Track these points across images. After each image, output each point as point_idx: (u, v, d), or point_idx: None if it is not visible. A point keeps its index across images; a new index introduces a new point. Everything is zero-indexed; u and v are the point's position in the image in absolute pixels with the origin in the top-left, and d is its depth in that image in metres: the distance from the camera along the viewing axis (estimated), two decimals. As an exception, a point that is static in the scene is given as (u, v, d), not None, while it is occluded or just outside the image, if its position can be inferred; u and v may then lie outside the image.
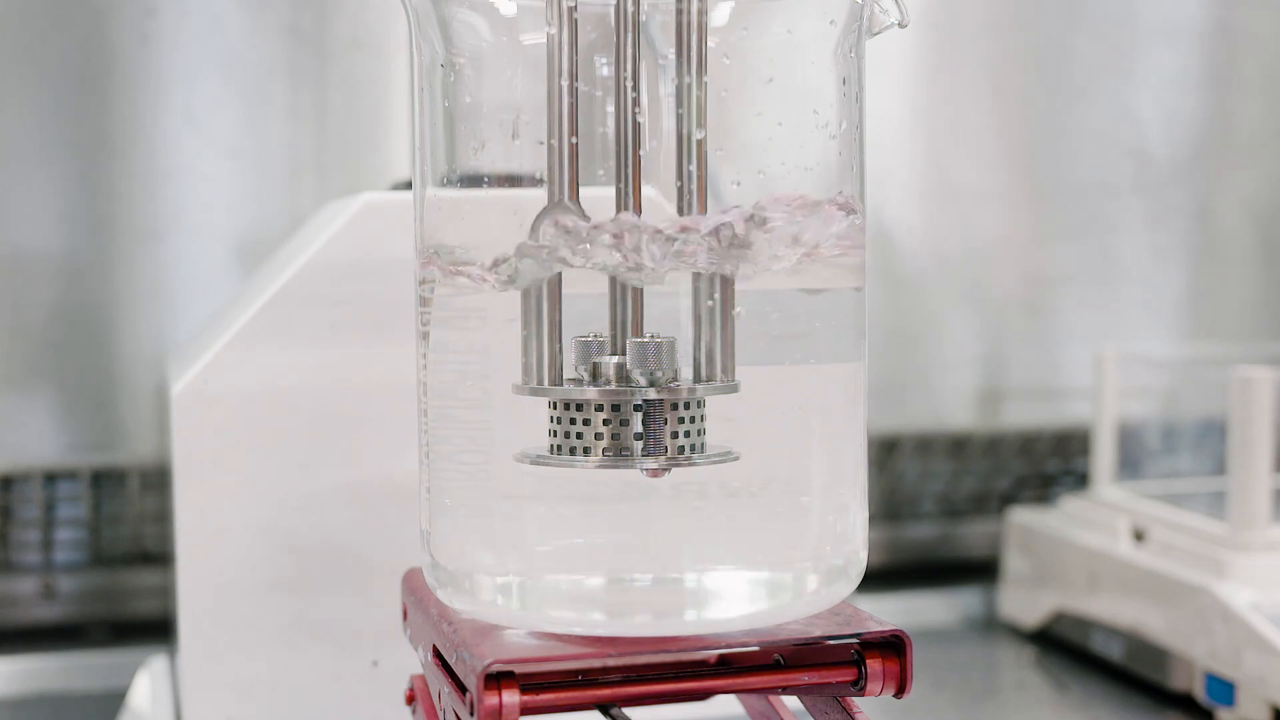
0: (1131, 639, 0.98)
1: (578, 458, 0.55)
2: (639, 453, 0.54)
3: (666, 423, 0.54)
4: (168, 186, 1.07)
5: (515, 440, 0.57)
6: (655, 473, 0.55)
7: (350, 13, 1.10)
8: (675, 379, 0.55)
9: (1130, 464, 1.14)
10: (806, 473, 0.59)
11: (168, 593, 0.95)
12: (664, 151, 0.56)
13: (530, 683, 0.53)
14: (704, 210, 0.55)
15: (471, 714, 0.52)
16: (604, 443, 0.54)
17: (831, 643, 0.56)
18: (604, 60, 0.57)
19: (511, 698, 0.52)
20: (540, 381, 0.55)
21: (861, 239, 0.59)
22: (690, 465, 0.55)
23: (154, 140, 1.07)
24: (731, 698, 0.67)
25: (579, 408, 0.54)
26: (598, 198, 0.56)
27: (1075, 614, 1.05)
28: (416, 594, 0.63)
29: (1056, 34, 1.25)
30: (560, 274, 0.55)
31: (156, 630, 1.03)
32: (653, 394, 0.54)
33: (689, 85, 0.55)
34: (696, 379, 0.56)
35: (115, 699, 0.93)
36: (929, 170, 1.23)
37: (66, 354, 1.06)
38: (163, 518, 1.04)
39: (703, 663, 0.61)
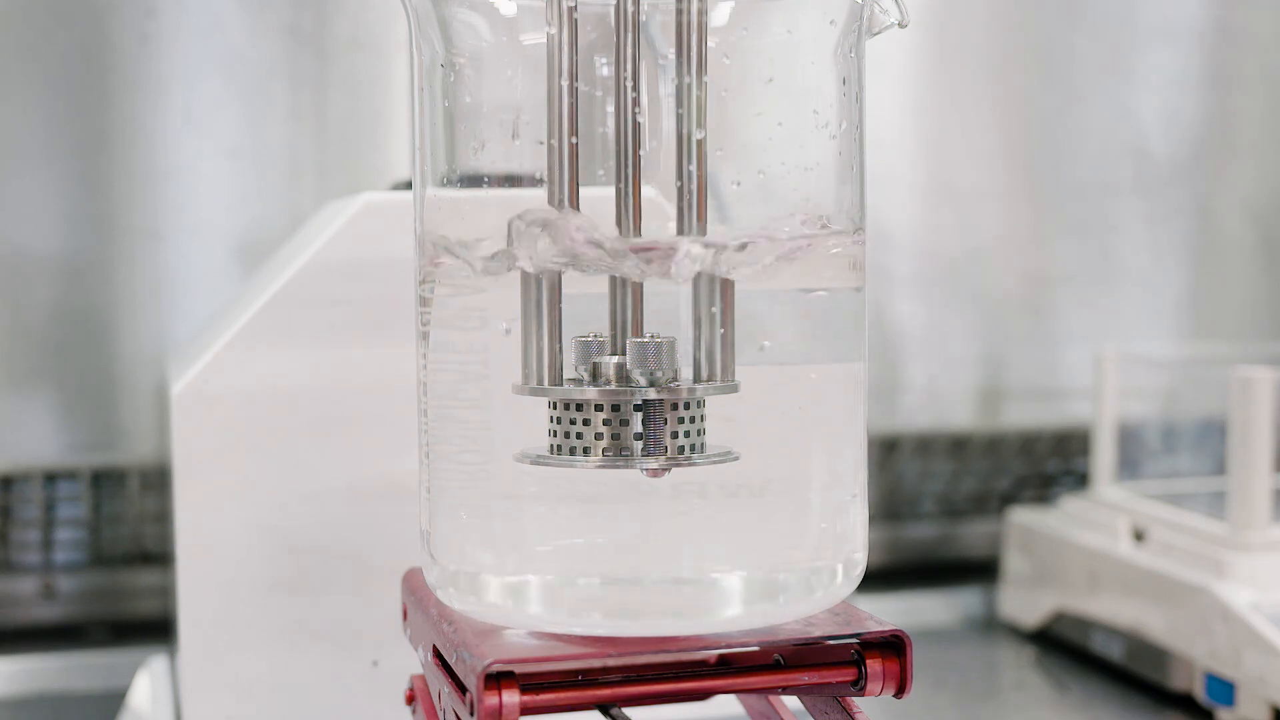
0: (1131, 639, 0.98)
1: (578, 458, 0.55)
2: (639, 453, 0.54)
3: (666, 423, 0.54)
4: (168, 186, 1.07)
5: (515, 440, 0.57)
6: (655, 473, 0.55)
7: (350, 13, 1.10)
8: (675, 379, 0.55)
9: (1130, 464, 1.14)
10: (806, 473, 0.59)
11: (168, 593, 0.95)
12: (664, 151, 0.56)
13: (530, 683, 0.53)
14: (704, 211, 0.55)
15: (471, 714, 0.52)
16: (604, 443, 0.54)
17: (831, 643, 0.56)
18: (604, 60, 0.57)
19: (511, 698, 0.52)
20: (540, 381, 0.55)
21: (862, 240, 0.59)
22: (690, 465, 0.55)
23: (154, 140, 1.07)
24: (731, 698, 0.67)
25: (579, 408, 0.54)
26: (598, 198, 0.56)
27: (1075, 614, 1.05)
28: (416, 594, 0.63)
29: (1056, 34, 1.26)
30: (560, 274, 0.55)
31: (156, 630, 1.03)
32: (653, 394, 0.54)
33: (689, 85, 0.55)
34: (696, 379, 0.56)
35: (115, 699, 0.93)
36: (929, 170, 1.23)
37: (66, 354, 1.06)
38: (163, 518, 1.04)
39: (703, 663, 0.61)
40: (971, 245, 1.25)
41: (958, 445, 1.24)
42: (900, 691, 0.56)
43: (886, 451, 1.22)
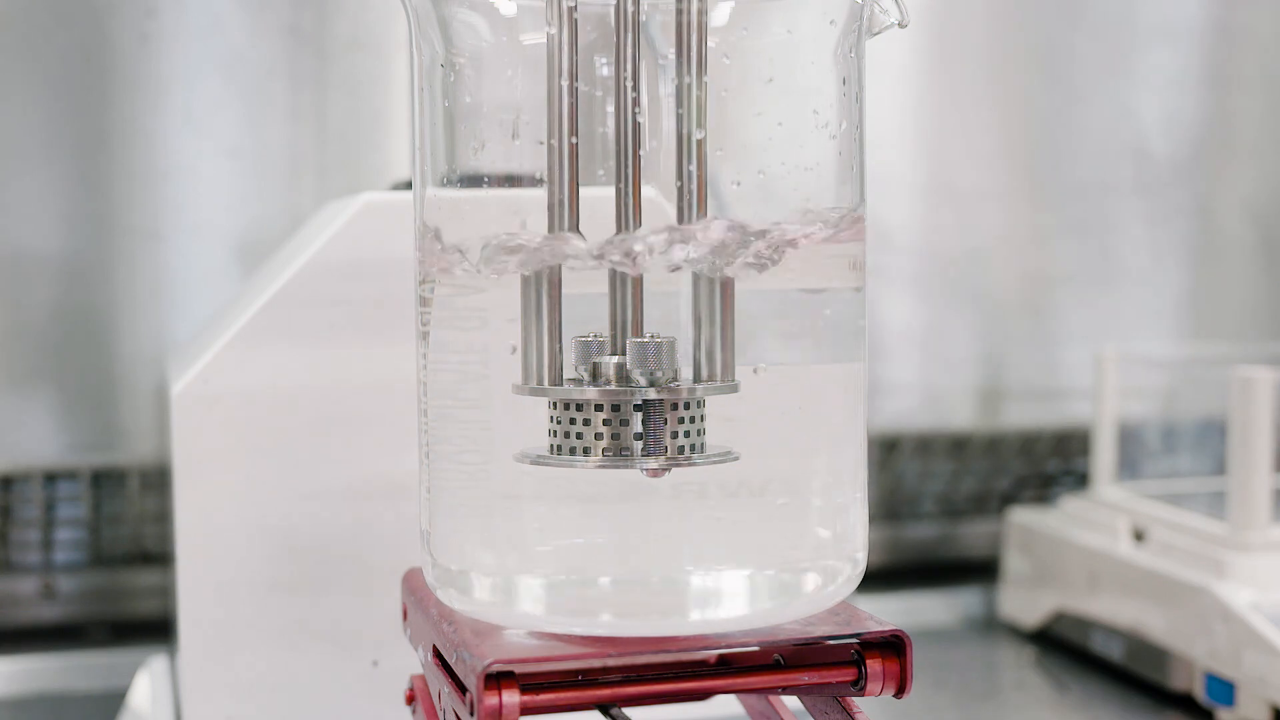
0: (1131, 639, 0.98)
1: (578, 458, 0.55)
2: (639, 453, 0.54)
3: (666, 423, 0.54)
4: (168, 186, 1.07)
5: (515, 440, 0.57)
6: (655, 473, 0.55)
7: (350, 13, 1.10)
8: (675, 379, 0.55)
9: (1130, 464, 1.14)
10: (806, 473, 0.59)
11: (168, 593, 0.95)
12: (664, 151, 0.56)
13: (530, 683, 0.53)
14: (704, 211, 0.55)
15: (471, 714, 0.52)
16: (604, 443, 0.54)
17: (831, 643, 0.56)
18: (604, 60, 0.57)
19: (511, 698, 0.52)
20: (540, 381, 0.55)
21: (861, 240, 0.59)
22: (690, 465, 0.55)
23: (154, 140, 1.07)
24: (731, 698, 0.67)
25: (579, 408, 0.54)
26: (598, 198, 0.56)
27: (1075, 614, 1.05)
28: (416, 594, 0.63)
29: (1056, 34, 1.25)
30: (560, 273, 0.55)
31: (156, 630, 1.03)
32: (653, 394, 0.54)
33: (689, 85, 0.55)
34: (696, 379, 0.56)
35: (115, 699, 0.93)
36: (929, 170, 1.23)
37: (66, 354, 1.06)
38: (163, 518, 1.04)
39: (703, 663, 0.61)
40: (971, 245, 1.25)
41: (958, 445, 1.24)
42: (900, 691, 0.56)
43: (886, 451, 1.22)
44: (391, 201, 0.78)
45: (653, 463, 0.54)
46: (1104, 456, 1.09)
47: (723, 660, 0.61)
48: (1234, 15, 1.30)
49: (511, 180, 0.58)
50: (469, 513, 0.59)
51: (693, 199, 0.55)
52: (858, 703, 0.58)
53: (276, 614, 0.76)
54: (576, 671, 0.56)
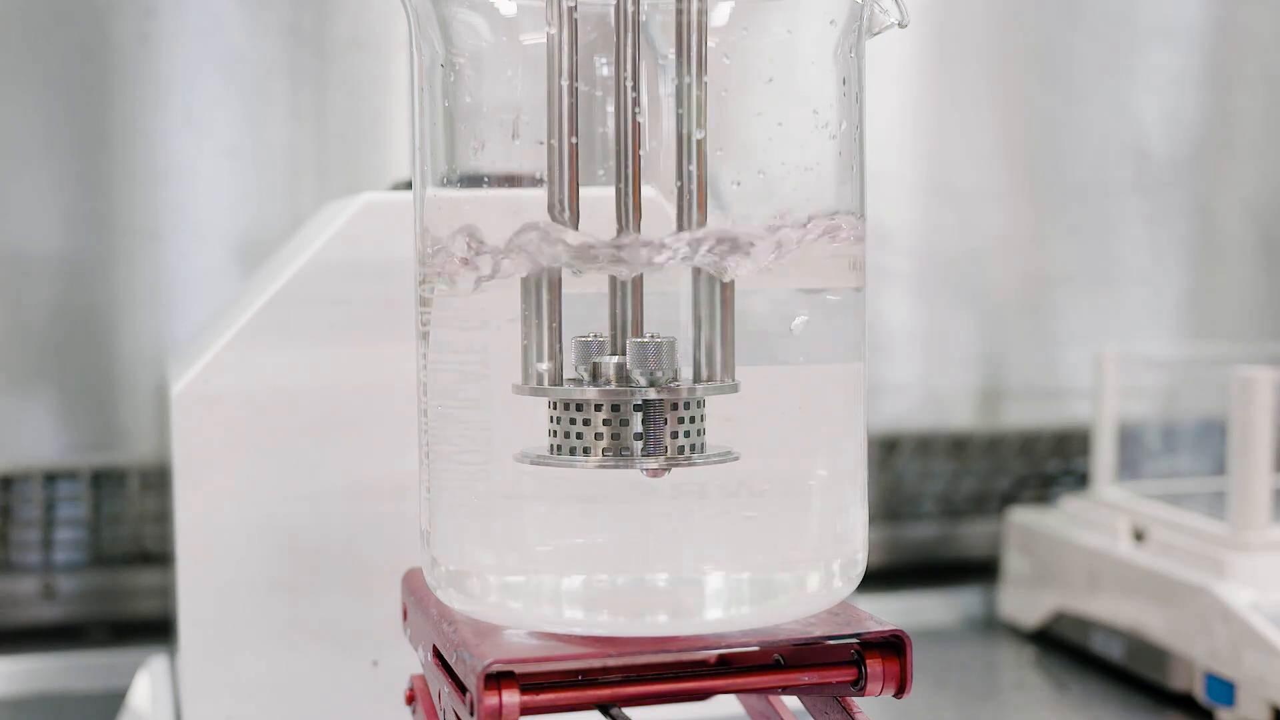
0: (1131, 639, 0.98)
1: (578, 458, 0.55)
2: (639, 453, 0.54)
3: (666, 423, 0.54)
4: (168, 186, 1.07)
5: (515, 440, 0.57)
6: (655, 473, 0.55)
7: (350, 13, 1.10)
8: (675, 379, 0.55)
9: (1130, 464, 1.14)
10: (806, 473, 0.59)
11: (168, 593, 0.95)
12: (664, 151, 0.56)
13: (530, 683, 0.53)
14: (704, 211, 0.55)
15: (471, 714, 0.52)
16: (604, 443, 0.54)
17: (831, 643, 0.56)
18: (604, 60, 0.57)
19: (511, 698, 0.52)
20: (540, 381, 0.55)
21: (861, 240, 0.59)
22: (690, 465, 0.55)
23: (154, 140, 1.07)
24: (731, 698, 0.67)
25: (579, 408, 0.54)
26: (598, 198, 0.56)
27: (1075, 614, 1.05)
28: (416, 594, 0.63)
29: (1056, 34, 1.25)
30: (560, 273, 0.55)
31: (156, 630, 1.03)
32: (653, 394, 0.54)
33: (689, 85, 0.55)
34: (696, 379, 0.56)
35: (115, 699, 0.93)
36: (929, 170, 1.23)
37: (66, 354, 1.06)
38: (163, 518, 1.04)
39: (703, 663, 0.61)
40: (971, 245, 1.25)
41: (958, 445, 1.24)
42: (900, 691, 0.56)
43: (886, 451, 1.22)
44: (391, 201, 0.78)
45: (653, 463, 0.54)
46: (1104, 456, 1.09)
47: (723, 660, 0.61)
48: (1234, 15, 1.30)
49: (511, 180, 0.58)
50: (469, 513, 0.59)
51: (693, 199, 0.55)
52: (858, 703, 0.58)
53: (276, 614, 0.76)
54: (576, 671, 0.56)
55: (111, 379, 1.07)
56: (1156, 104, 1.28)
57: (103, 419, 1.07)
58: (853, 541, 0.59)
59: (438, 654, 0.58)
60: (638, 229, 0.55)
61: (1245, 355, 1.12)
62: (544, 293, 0.55)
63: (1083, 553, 1.05)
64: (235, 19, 1.07)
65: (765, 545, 0.57)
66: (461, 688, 0.54)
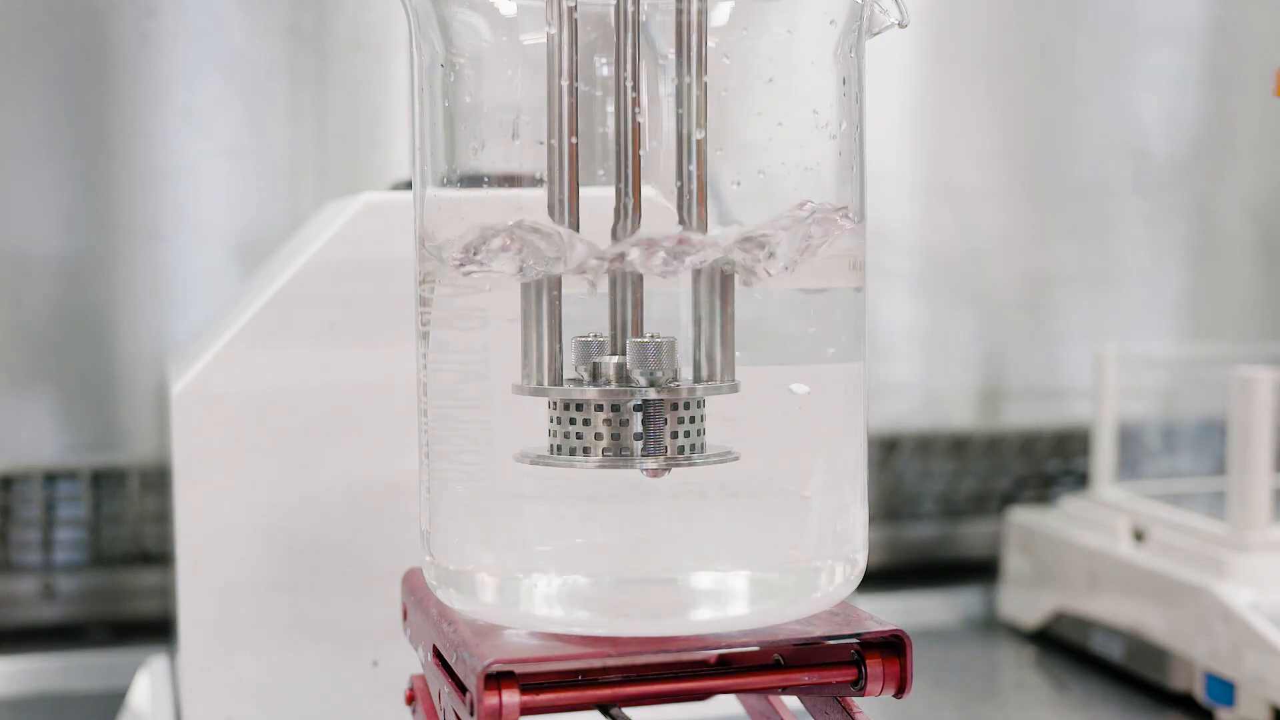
0: (1131, 639, 0.98)
1: (578, 458, 0.55)
2: (639, 453, 0.54)
3: (666, 423, 0.54)
4: (168, 186, 1.07)
5: (515, 440, 0.57)
6: (655, 473, 0.55)
7: (350, 13, 1.10)
8: (675, 379, 0.55)
9: (1130, 464, 1.14)
10: (806, 473, 0.59)
11: (168, 593, 0.95)
12: (664, 151, 0.56)
13: (530, 683, 0.53)
14: (704, 211, 0.55)
15: (471, 714, 0.52)
16: (604, 443, 0.54)
17: (831, 643, 0.56)
18: (604, 60, 0.57)
19: (511, 698, 0.52)
20: (540, 381, 0.55)
21: (861, 240, 0.59)
22: (690, 465, 0.55)
23: (154, 140, 1.07)
24: (731, 698, 0.67)
25: (579, 408, 0.54)
26: (598, 198, 0.56)
27: (1075, 614, 1.05)
28: (416, 594, 0.63)
29: (1056, 34, 1.25)
30: (559, 275, 0.55)
31: (156, 630, 1.03)
32: (653, 394, 0.54)
33: (689, 85, 0.55)
34: (696, 379, 0.56)
35: (115, 699, 0.93)
36: (929, 170, 1.23)
37: (66, 354, 1.06)
38: (163, 518, 1.04)
39: (703, 663, 0.61)
40: (971, 245, 1.25)
41: (958, 445, 1.24)
42: (900, 691, 0.56)
43: (886, 451, 1.22)
44: (391, 201, 0.78)
45: (653, 463, 0.54)
46: (1104, 456, 1.09)
47: (723, 660, 0.61)
48: (1234, 15, 1.30)
49: (511, 180, 0.58)
50: (469, 513, 0.59)
51: (693, 199, 0.55)
52: (858, 703, 0.58)
53: (276, 614, 0.76)
54: (576, 671, 0.56)
55: (111, 379, 1.07)
56: (1156, 104, 1.28)
57: (103, 419, 1.07)
58: (853, 541, 0.59)
59: (438, 654, 0.58)
60: (638, 229, 0.55)
61: (1245, 355, 1.12)
62: (544, 292, 0.55)
63: (1083, 553, 1.05)
64: (235, 19, 1.07)
65: (765, 545, 0.57)
66: (461, 688, 0.54)
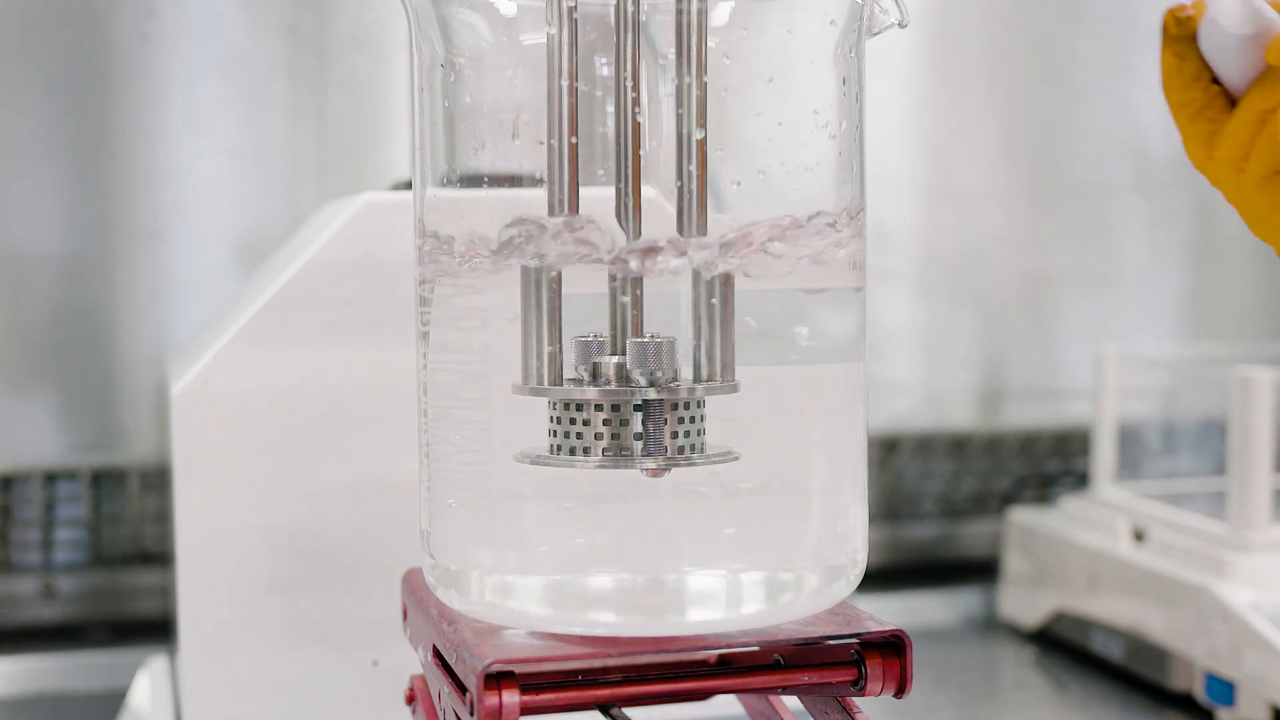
0: (1131, 639, 0.98)
1: (578, 458, 0.55)
2: (639, 453, 0.54)
3: (666, 423, 0.54)
4: (168, 186, 1.07)
5: (515, 440, 0.57)
6: (655, 473, 0.55)
7: (350, 13, 1.10)
8: (675, 379, 0.55)
9: (1130, 464, 1.14)
10: (806, 473, 0.59)
11: (168, 593, 0.95)
12: (664, 151, 0.56)
13: (530, 683, 0.53)
14: (704, 211, 0.55)
15: (471, 714, 0.52)
16: (604, 443, 0.54)
17: (831, 643, 0.56)
18: (604, 60, 0.57)
19: (511, 698, 0.52)
20: (540, 381, 0.55)
21: (861, 240, 0.59)
22: (690, 465, 0.55)
23: (154, 140, 1.07)
24: (731, 698, 0.67)
25: (579, 408, 0.54)
26: (598, 198, 0.56)
27: (1075, 614, 1.05)
28: (416, 594, 0.63)
29: (1056, 34, 1.25)
30: (560, 273, 0.55)
31: (156, 630, 1.03)
32: (653, 394, 0.54)
33: (689, 85, 0.55)
34: (696, 379, 0.56)
35: (115, 699, 0.93)
36: (929, 170, 1.23)
37: (66, 354, 1.06)
38: (163, 518, 1.04)
39: (703, 663, 0.61)
40: (971, 245, 1.25)
41: (958, 445, 1.24)
42: (900, 691, 0.56)
43: (886, 451, 1.22)
44: (391, 201, 0.78)
45: (652, 463, 0.54)
46: (1104, 456, 1.09)
47: (723, 660, 0.61)
48: (1234, 15, 1.29)
49: (511, 180, 0.58)
50: (469, 513, 0.59)
51: (693, 199, 0.55)
52: (858, 703, 0.58)
53: (276, 614, 0.76)
54: (576, 671, 0.56)
55: (111, 379, 1.07)
56: (1156, 104, 1.28)
57: (103, 419, 1.07)
58: (853, 541, 0.59)
59: (438, 654, 0.58)
60: (638, 229, 0.55)
61: (1245, 355, 1.12)
62: (544, 293, 0.55)
63: (1083, 553, 1.04)
64: (235, 19, 1.07)
65: (765, 545, 0.57)
66: (461, 688, 0.54)
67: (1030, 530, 1.11)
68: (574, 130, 0.54)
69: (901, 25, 0.59)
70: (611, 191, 0.55)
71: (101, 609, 1.08)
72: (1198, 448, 1.20)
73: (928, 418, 1.23)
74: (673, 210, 0.55)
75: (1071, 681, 1.01)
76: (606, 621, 0.55)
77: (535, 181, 0.56)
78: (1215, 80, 0.55)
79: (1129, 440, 1.13)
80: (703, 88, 0.55)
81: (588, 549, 0.57)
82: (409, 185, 0.67)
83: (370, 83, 1.11)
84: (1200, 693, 0.92)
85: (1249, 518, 0.93)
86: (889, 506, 1.23)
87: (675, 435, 0.54)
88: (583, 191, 0.55)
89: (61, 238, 1.06)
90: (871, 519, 0.61)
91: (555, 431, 0.55)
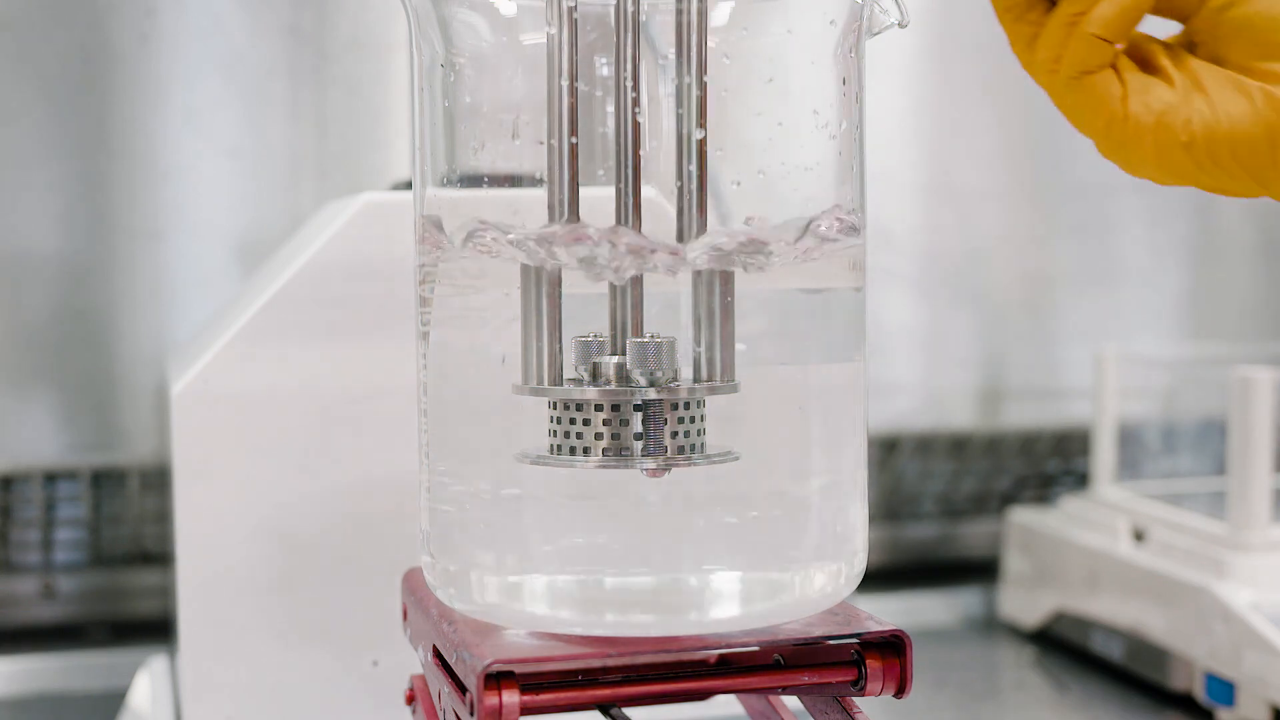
0: (1131, 639, 0.98)
1: (578, 458, 0.55)
2: (639, 453, 0.54)
3: (666, 423, 0.54)
4: (168, 186, 1.07)
5: (515, 440, 0.57)
6: (655, 472, 0.55)
7: (350, 13, 1.10)
8: (675, 379, 0.55)
9: (1130, 464, 1.14)
10: (806, 473, 0.59)
11: (168, 593, 0.95)
12: (664, 151, 0.56)
13: (530, 683, 0.53)
14: (704, 211, 0.55)
15: (471, 714, 0.52)
16: (604, 443, 0.54)
17: (831, 643, 0.56)
18: (604, 60, 0.57)
19: (511, 698, 0.52)
20: (540, 381, 0.55)
21: (862, 240, 0.59)
22: (690, 465, 0.55)
23: (154, 140, 1.07)
24: (731, 698, 0.67)
25: (579, 408, 0.54)
26: (598, 198, 0.56)
27: (1075, 614, 1.05)
28: (416, 594, 0.63)
29: (1056, 34, 1.25)
30: (560, 273, 0.55)
31: (156, 630, 1.03)
32: (653, 394, 0.54)
33: (689, 85, 0.55)
34: (696, 379, 0.56)
35: (115, 699, 0.93)
36: (929, 170, 1.23)
37: (66, 354, 1.06)
38: (163, 518, 1.04)
39: (703, 663, 0.61)
40: (971, 245, 1.25)
41: (958, 445, 1.24)
42: (900, 691, 0.56)
43: (886, 451, 1.22)
44: (391, 201, 0.78)
45: (652, 463, 0.54)
46: (1104, 456, 1.09)
47: (723, 660, 0.61)
48: (1234, 15, 1.29)
49: (511, 180, 0.58)
50: (469, 512, 0.59)
51: (693, 199, 0.55)
52: (858, 703, 0.58)
53: (276, 614, 0.76)
54: (576, 671, 0.56)
55: (111, 379, 1.07)
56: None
57: (103, 419, 1.07)
58: (853, 541, 0.59)
59: (438, 654, 0.58)
60: (638, 230, 0.55)
61: (1245, 355, 1.12)
62: (544, 292, 0.55)
63: (1083, 553, 1.05)
64: (235, 19, 1.07)
65: (765, 545, 0.57)
66: (461, 688, 0.54)
67: (1030, 530, 1.11)
68: (574, 130, 0.54)
69: (901, 25, 0.59)
70: (611, 191, 0.55)
71: (101, 609, 1.08)
72: (1198, 448, 1.20)
73: (928, 418, 1.24)
74: (673, 210, 0.55)
75: (1071, 681, 1.01)
76: (606, 621, 0.55)
77: (535, 181, 0.56)
78: None
79: (1129, 440, 1.13)
80: (703, 88, 0.55)
81: (588, 549, 0.57)
82: (409, 185, 0.67)
83: (370, 83, 1.11)
84: (1200, 693, 0.92)
85: (1249, 518, 0.93)
86: (889, 506, 1.23)
87: (675, 435, 0.55)
88: (583, 191, 0.55)
89: (61, 238, 1.06)
90: (871, 519, 0.62)
91: (555, 431, 0.55)
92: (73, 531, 1.08)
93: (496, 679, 0.52)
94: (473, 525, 0.58)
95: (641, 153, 0.55)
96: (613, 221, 0.55)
